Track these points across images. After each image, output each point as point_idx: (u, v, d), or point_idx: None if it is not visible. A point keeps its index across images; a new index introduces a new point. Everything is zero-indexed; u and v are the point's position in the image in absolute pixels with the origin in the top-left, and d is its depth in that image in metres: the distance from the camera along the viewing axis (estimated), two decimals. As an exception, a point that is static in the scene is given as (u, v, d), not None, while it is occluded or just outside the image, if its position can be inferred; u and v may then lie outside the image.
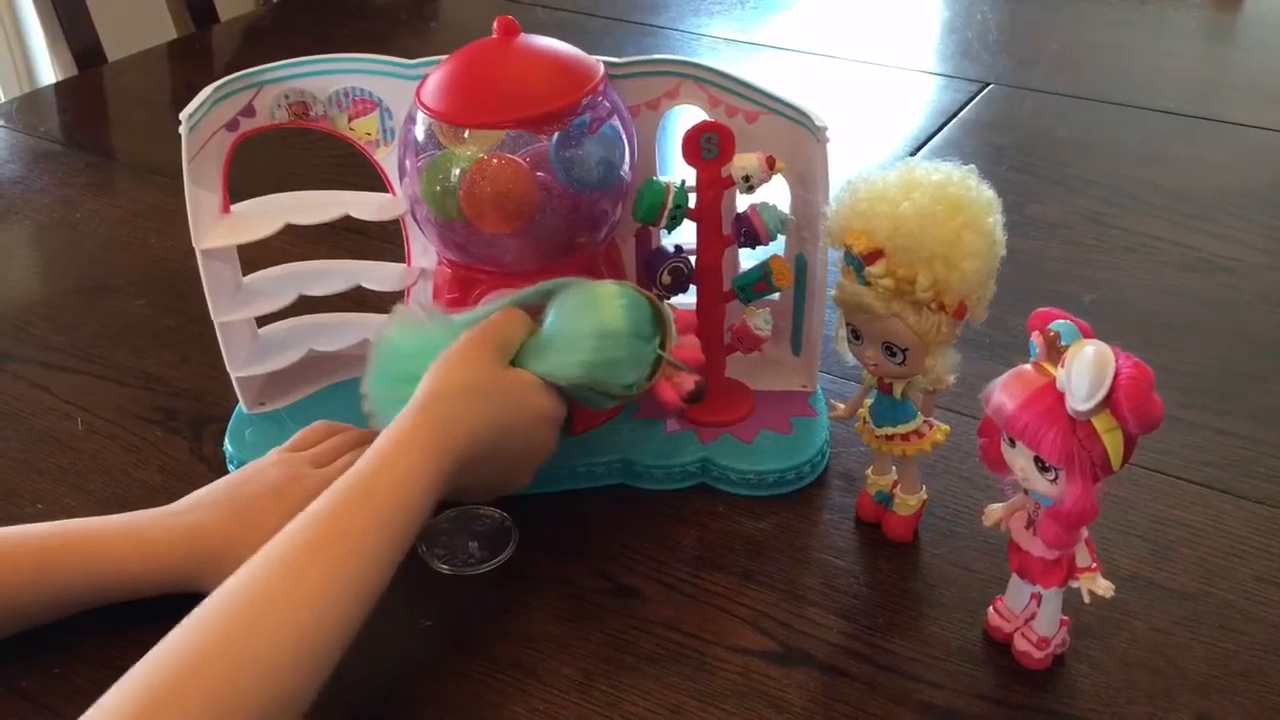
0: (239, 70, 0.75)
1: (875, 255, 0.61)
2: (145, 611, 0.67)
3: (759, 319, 0.76)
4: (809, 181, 0.74)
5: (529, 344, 0.67)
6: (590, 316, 0.66)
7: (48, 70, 1.89)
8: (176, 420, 0.83)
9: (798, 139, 0.73)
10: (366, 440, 0.72)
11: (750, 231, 0.73)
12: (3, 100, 1.80)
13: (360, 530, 0.57)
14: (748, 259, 0.77)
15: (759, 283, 0.75)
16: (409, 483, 0.59)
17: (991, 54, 1.48)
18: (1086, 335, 0.54)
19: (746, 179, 0.71)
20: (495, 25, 0.71)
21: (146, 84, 1.48)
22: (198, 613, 0.53)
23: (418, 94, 0.71)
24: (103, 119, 1.43)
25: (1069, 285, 0.99)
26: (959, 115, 1.31)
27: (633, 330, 0.66)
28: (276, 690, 0.52)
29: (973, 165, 0.63)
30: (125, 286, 1.00)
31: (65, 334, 0.94)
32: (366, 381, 0.67)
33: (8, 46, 1.94)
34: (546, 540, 0.72)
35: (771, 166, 0.71)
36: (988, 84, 1.38)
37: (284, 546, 0.56)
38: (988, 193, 0.62)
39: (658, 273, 0.74)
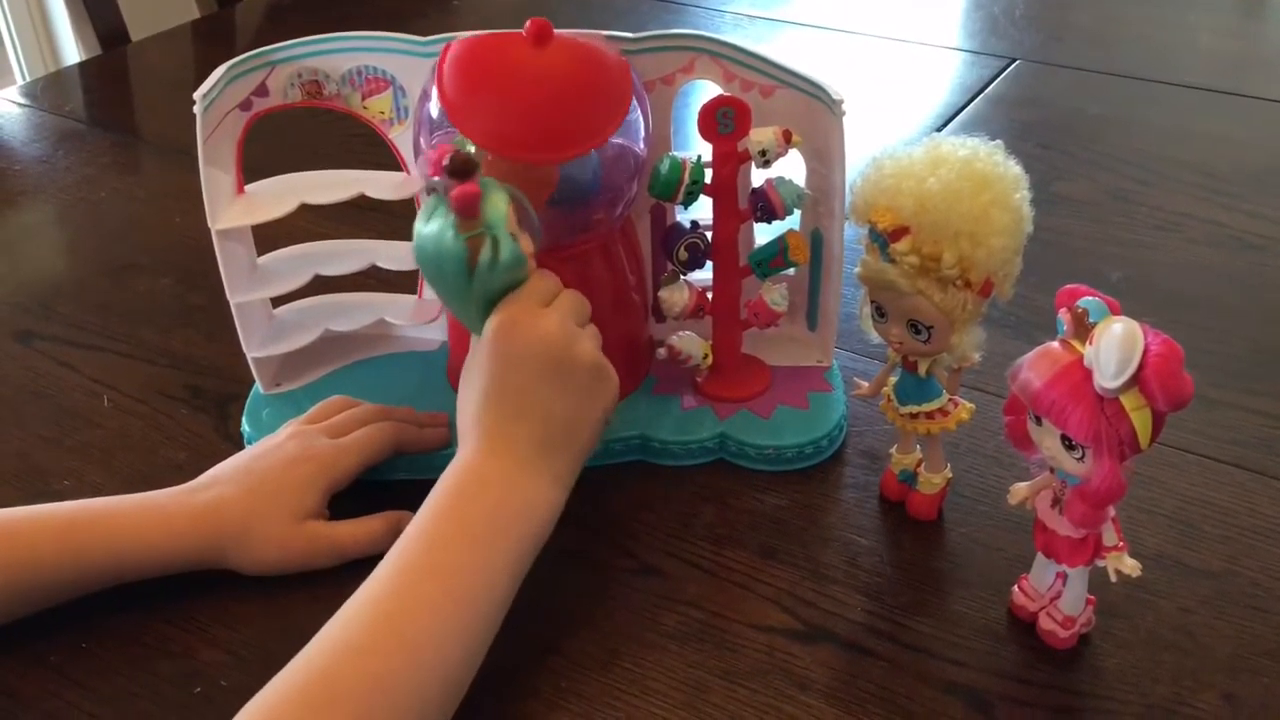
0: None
1: (901, 232, 0.61)
2: (170, 588, 0.68)
3: (775, 294, 0.75)
4: (825, 156, 0.74)
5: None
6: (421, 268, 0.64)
7: (72, 50, 1.90)
8: (202, 398, 0.84)
9: (814, 113, 0.73)
10: (382, 415, 0.72)
11: (767, 206, 0.73)
12: (27, 80, 1.81)
13: (425, 526, 0.60)
14: (765, 234, 0.76)
15: (775, 257, 0.74)
16: (461, 475, 0.62)
17: (1019, 29, 1.47)
18: (1115, 312, 0.54)
19: (763, 153, 0.71)
20: (527, 28, 0.68)
21: (170, 63, 1.48)
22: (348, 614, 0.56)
23: (440, 90, 0.69)
24: (127, 98, 1.44)
25: (1096, 263, 0.98)
26: (985, 91, 1.29)
27: (419, 229, 0.63)
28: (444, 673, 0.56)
29: (999, 141, 0.63)
30: (151, 265, 1.01)
31: (91, 312, 0.95)
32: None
33: (33, 26, 1.95)
34: (568, 516, 0.72)
35: (788, 140, 0.70)
36: (1014, 59, 1.37)
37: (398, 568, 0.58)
38: (1015, 168, 0.62)
39: (674, 249, 0.74)
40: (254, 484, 0.68)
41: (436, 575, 0.57)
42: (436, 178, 0.61)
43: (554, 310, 0.64)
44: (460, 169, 0.60)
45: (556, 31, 0.69)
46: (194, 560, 0.66)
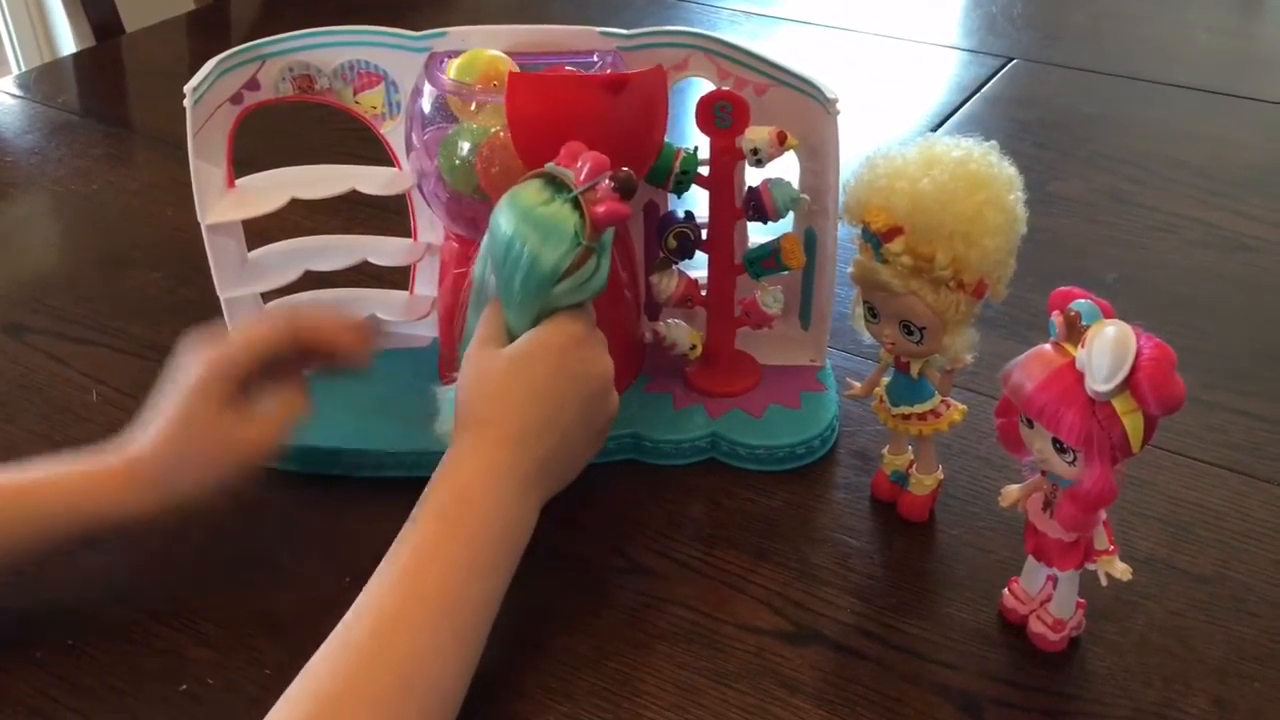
0: (258, 43, 0.75)
1: (894, 232, 0.61)
2: (158, 584, 0.67)
3: (769, 296, 0.75)
4: (819, 154, 0.74)
5: (507, 319, 0.64)
6: (499, 236, 0.62)
7: (68, 40, 1.90)
8: (192, 393, 0.83)
9: (808, 111, 0.72)
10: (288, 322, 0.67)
11: (759, 206, 0.73)
12: (21, 70, 1.81)
13: (432, 548, 0.57)
14: (763, 233, 0.76)
15: (768, 259, 0.74)
16: (469, 490, 0.59)
17: (1016, 28, 1.46)
18: (1108, 315, 0.54)
19: (755, 152, 0.71)
20: (603, 80, 0.68)
21: (165, 55, 1.47)
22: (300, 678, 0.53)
23: (513, 127, 0.68)
24: (121, 90, 1.43)
25: (1091, 263, 0.98)
26: (982, 90, 1.29)
27: (532, 205, 0.61)
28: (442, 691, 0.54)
29: (994, 141, 0.62)
30: (143, 258, 1.00)
31: (82, 306, 0.94)
32: (438, 427, 0.66)
33: (28, 16, 1.94)
34: (558, 515, 0.71)
35: (782, 142, 0.70)
36: (1011, 59, 1.37)
37: (362, 595, 0.56)
38: (1009, 169, 0.61)
39: (664, 236, 0.74)
40: (165, 421, 0.64)
41: (446, 612, 0.56)
42: (567, 169, 0.61)
43: (605, 348, 0.64)
44: (625, 187, 0.61)
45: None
46: (121, 515, 0.63)
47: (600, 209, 0.60)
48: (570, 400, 0.62)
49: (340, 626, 0.54)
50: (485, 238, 0.64)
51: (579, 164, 0.61)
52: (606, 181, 0.60)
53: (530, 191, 0.62)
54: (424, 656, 0.54)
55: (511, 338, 0.63)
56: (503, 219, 0.62)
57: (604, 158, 0.61)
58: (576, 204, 0.61)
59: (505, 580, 0.58)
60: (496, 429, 0.60)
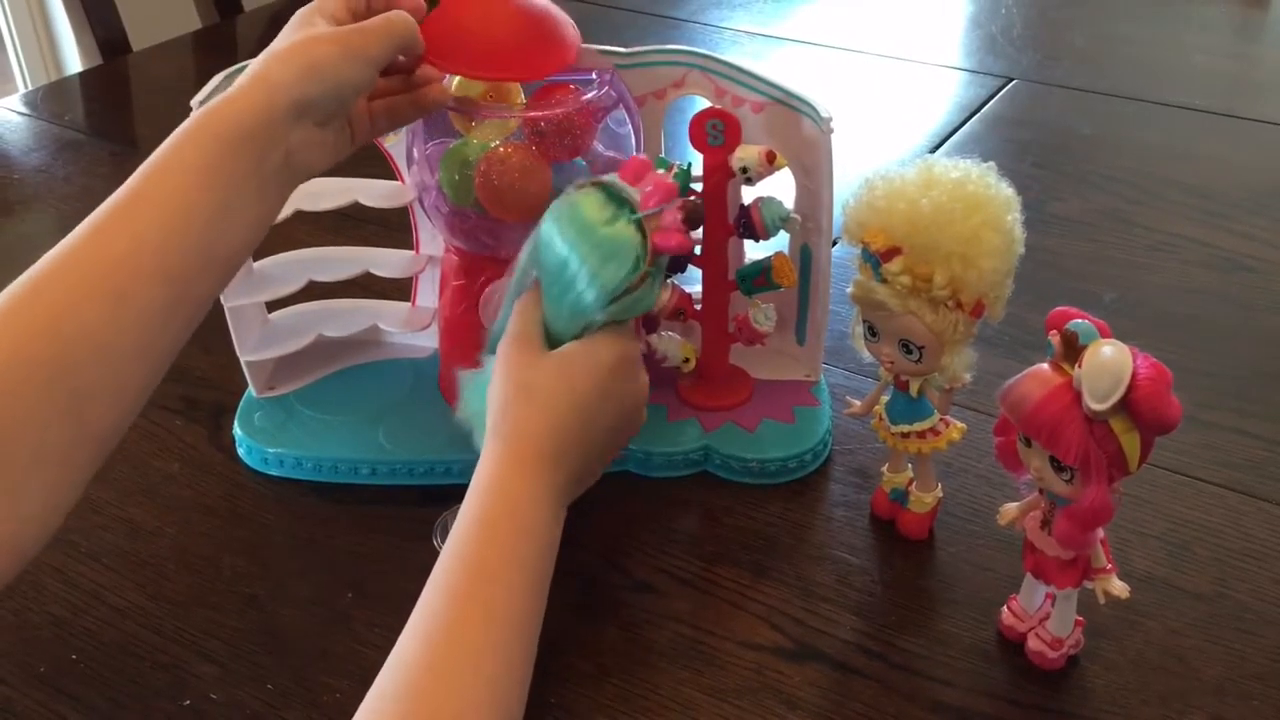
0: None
1: (892, 252, 0.61)
2: (162, 600, 0.68)
3: (761, 314, 0.76)
4: (814, 173, 0.75)
5: (545, 316, 0.63)
6: (556, 247, 0.61)
7: (74, 58, 1.91)
8: (197, 409, 0.84)
9: (803, 130, 0.73)
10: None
11: (749, 225, 0.73)
12: (28, 88, 1.82)
13: (495, 570, 0.55)
14: (759, 250, 0.77)
15: (759, 276, 0.75)
16: (520, 508, 0.57)
17: (1016, 49, 1.47)
18: (1105, 334, 0.54)
19: (744, 170, 0.71)
20: None
21: (171, 73, 1.48)
22: (371, 704, 0.50)
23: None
24: (127, 108, 1.44)
25: (1089, 283, 0.98)
26: (982, 110, 1.30)
27: (595, 222, 0.60)
28: None
29: (993, 162, 0.63)
30: (147, 275, 1.01)
31: (87, 322, 0.94)
32: (459, 410, 0.65)
33: (35, 34, 1.96)
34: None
35: (771, 161, 0.71)
36: (1011, 79, 1.38)
37: (419, 614, 0.53)
38: (1006, 190, 0.62)
39: None
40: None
41: (518, 635, 0.54)
42: (633, 188, 0.61)
43: (643, 367, 0.64)
44: (694, 217, 0.61)
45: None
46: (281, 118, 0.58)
47: (669, 242, 0.60)
48: (611, 419, 0.62)
49: (403, 652, 0.52)
50: (535, 237, 0.62)
51: (644, 185, 0.61)
52: (675, 211, 0.60)
53: (592, 206, 0.61)
54: (496, 680, 0.52)
55: (550, 338, 0.62)
56: (561, 231, 0.61)
57: (673, 184, 0.61)
58: (639, 226, 0.60)
59: (546, 590, 0.57)
60: (537, 443, 0.59)
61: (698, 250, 0.75)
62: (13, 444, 0.49)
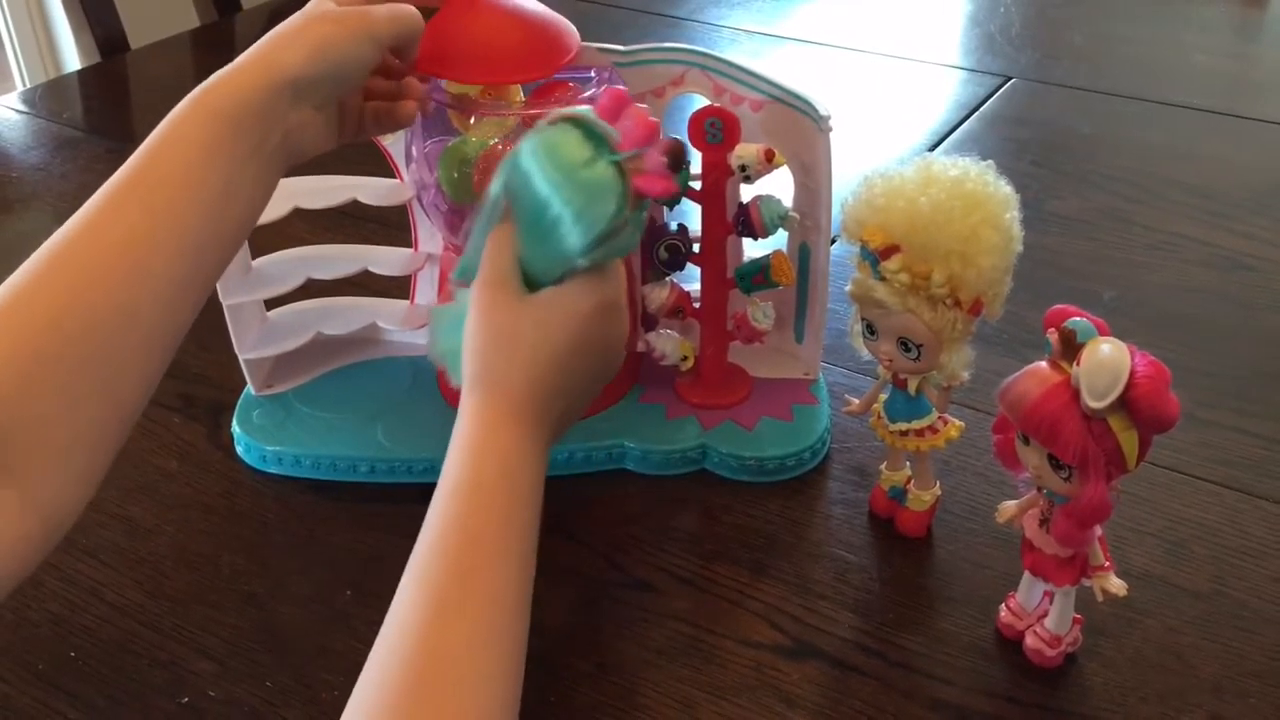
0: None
1: (891, 250, 0.61)
2: (160, 597, 0.68)
3: (759, 311, 0.76)
4: (812, 171, 0.75)
5: (522, 257, 0.59)
6: (535, 187, 0.57)
7: (73, 56, 1.91)
8: (195, 407, 0.84)
9: (802, 128, 0.73)
10: None
11: (748, 223, 0.74)
12: (26, 86, 1.82)
13: (479, 531, 0.53)
14: (758, 248, 0.77)
15: (758, 275, 0.75)
16: (512, 468, 0.55)
17: (1015, 48, 1.47)
18: (1103, 332, 0.54)
19: (743, 168, 0.71)
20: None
21: (169, 71, 1.48)
22: (371, 674, 0.50)
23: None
24: (125, 106, 1.44)
25: (1089, 282, 0.98)
26: (980, 109, 1.30)
27: (575, 163, 0.57)
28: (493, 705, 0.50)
29: (991, 161, 0.63)
30: (146, 273, 1.01)
31: (86, 320, 0.95)
32: (431, 347, 0.62)
33: (33, 32, 1.95)
34: (554, 528, 0.72)
35: (770, 160, 0.71)
36: (1010, 78, 1.38)
37: (418, 585, 0.52)
38: (1005, 189, 0.62)
39: (655, 247, 0.75)
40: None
41: (475, 602, 0.52)
42: (613, 128, 0.57)
43: (627, 312, 0.61)
44: (677, 158, 0.59)
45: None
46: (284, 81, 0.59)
47: (654, 188, 0.57)
48: (592, 366, 0.59)
49: (396, 618, 0.51)
50: (509, 168, 0.58)
51: (623, 120, 0.57)
52: (657, 154, 0.57)
53: (571, 146, 0.57)
54: (480, 646, 0.51)
55: (527, 280, 0.59)
56: (541, 169, 0.57)
57: (654, 121, 0.57)
58: (619, 169, 0.57)
59: (533, 556, 0.55)
60: (520, 396, 0.56)
61: (696, 185, 0.73)
62: (52, 425, 0.50)
